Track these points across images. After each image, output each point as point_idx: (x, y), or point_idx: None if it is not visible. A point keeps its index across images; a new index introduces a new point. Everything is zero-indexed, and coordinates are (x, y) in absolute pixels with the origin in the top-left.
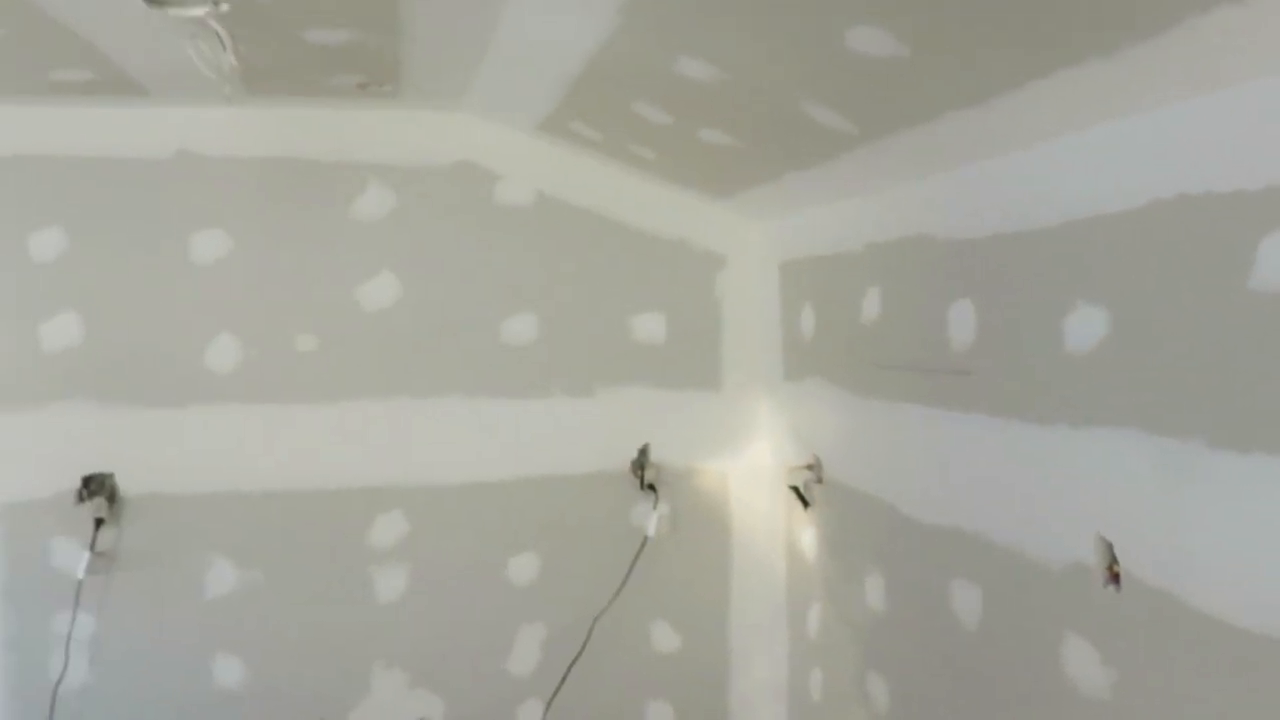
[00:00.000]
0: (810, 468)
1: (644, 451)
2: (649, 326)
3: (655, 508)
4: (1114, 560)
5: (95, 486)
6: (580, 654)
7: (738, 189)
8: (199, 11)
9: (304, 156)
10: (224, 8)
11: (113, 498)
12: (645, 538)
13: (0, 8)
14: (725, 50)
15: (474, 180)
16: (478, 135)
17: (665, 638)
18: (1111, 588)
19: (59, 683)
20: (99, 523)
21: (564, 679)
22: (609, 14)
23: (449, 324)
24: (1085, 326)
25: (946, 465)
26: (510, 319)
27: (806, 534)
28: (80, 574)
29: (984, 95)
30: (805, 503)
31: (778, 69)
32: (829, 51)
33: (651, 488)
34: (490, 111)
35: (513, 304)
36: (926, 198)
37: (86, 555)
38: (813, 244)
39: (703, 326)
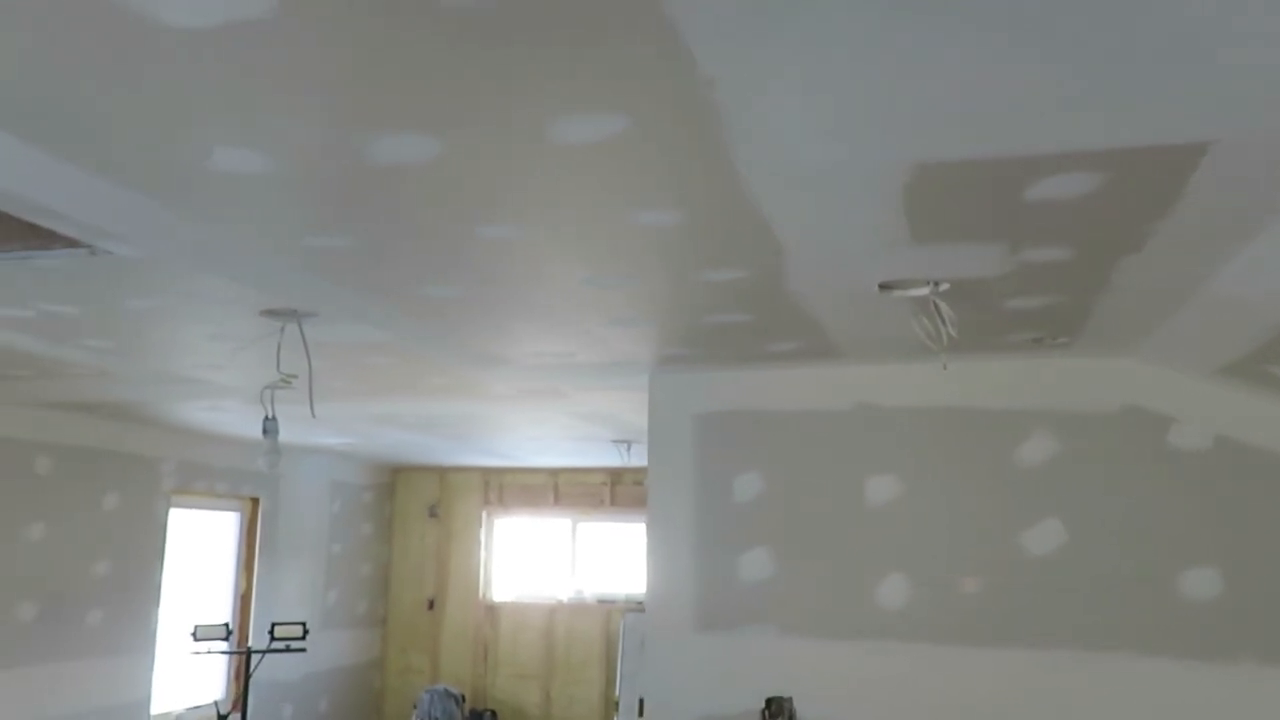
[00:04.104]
0: None
1: None
2: None
3: None
4: None
5: (776, 708)
6: None
7: None
8: (923, 291)
9: (971, 406)
10: (943, 287)
11: None
12: None
13: (763, 302)
14: None
15: (1143, 425)
16: (1147, 379)
17: None
18: None
19: None
20: None
21: None
22: None
23: (1118, 575)
24: None
25: None
26: (1187, 572)
27: None
28: None
29: None
30: None
31: None
32: None
33: None
34: (1164, 357)
35: (1190, 555)
36: None
37: None
38: None
39: None
